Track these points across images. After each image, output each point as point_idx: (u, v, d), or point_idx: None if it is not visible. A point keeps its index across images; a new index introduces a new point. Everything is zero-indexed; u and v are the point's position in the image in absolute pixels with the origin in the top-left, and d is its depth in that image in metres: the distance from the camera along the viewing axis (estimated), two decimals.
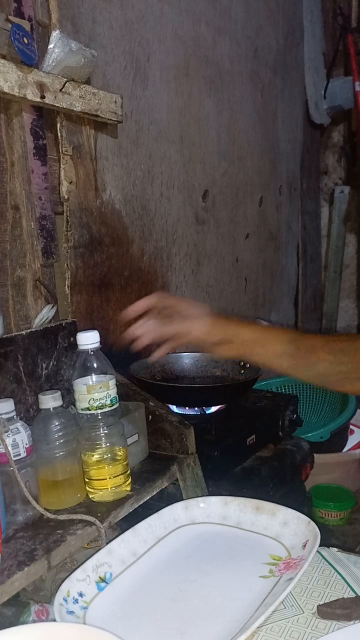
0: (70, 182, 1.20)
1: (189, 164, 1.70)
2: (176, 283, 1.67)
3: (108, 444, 0.89)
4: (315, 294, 2.96)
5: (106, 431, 0.88)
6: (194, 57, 1.70)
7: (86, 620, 0.67)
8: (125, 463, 0.91)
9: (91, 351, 0.88)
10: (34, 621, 0.82)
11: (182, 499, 0.91)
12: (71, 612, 0.67)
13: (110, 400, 0.88)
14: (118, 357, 1.38)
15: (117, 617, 0.68)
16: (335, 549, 0.80)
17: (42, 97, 1.00)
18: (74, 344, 0.90)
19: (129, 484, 0.92)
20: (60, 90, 1.04)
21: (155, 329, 0.89)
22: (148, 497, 0.95)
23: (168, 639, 0.64)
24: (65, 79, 1.04)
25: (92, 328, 0.91)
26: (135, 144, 1.45)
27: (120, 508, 0.88)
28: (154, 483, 0.97)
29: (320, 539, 0.73)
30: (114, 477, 0.89)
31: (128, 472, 0.93)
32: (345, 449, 2.05)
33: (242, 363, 1.42)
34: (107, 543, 0.79)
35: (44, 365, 1.04)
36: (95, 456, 0.88)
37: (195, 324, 0.88)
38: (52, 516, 0.81)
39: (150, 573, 0.76)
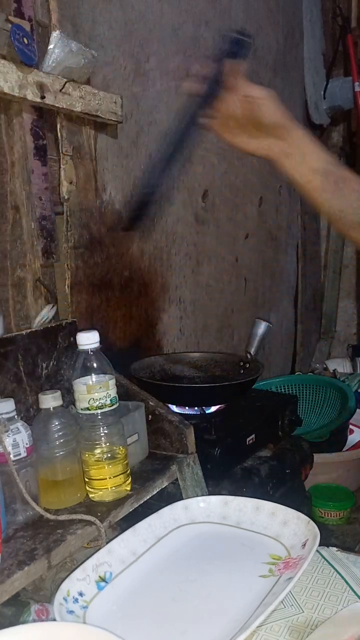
0: (70, 183, 1.20)
1: (188, 164, 1.70)
2: (176, 283, 1.67)
3: (108, 444, 0.89)
4: (315, 294, 2.97)
5: (106, 431, 0.89)
6: (194, 58, 1.70)
7: (86, 619, 0.67)
8: (125, 463, 0.91)
9: (91, 351, 0.88)
10: (34, 621, 0.82)
11: (182, 499, 0.91)
12: (71, 612, 0.67)
13: (110, 400, 0.88)
14: (118, 357, 1.39)
15: (117, 617, 0.68)
16: (334, 549, 0.80)
17: (42, 97, 1.00)
18: (74, 344, 0.90)
19: (129, 483, 0.92)
20: (60, 90, 1.04)
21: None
22: (148, 497, 0.95)
23: (168, 638, 0.64)
24: (65, 80, 1.05)
25: (92, 328, 0.91)
26: (135, 144, 1.45)
27: (120, 508, 0.88)
28: (154, 483, 0.97)
29: (320, 538, 0.74)
30: (114, 476, 0.89)
31: (128, 471, 0.93)
32: (344, 449, 2.05)
33: (242, 363, 1.42)
34: (107, 543, 0.79)
35: (44, 365, 1.04)
36: (95, 456, 0.88)
37: (266, 92, 0.79)
38: (52, 516, 0.81)
39: (150, 573, 0.76)
